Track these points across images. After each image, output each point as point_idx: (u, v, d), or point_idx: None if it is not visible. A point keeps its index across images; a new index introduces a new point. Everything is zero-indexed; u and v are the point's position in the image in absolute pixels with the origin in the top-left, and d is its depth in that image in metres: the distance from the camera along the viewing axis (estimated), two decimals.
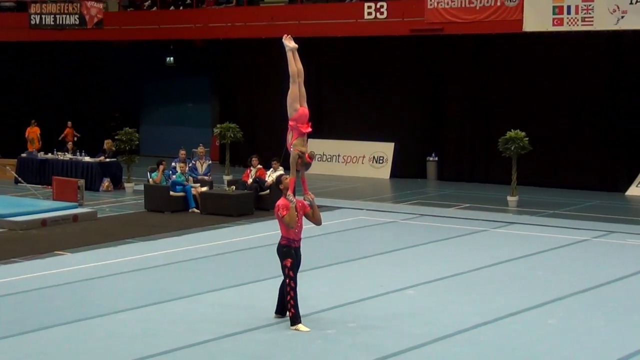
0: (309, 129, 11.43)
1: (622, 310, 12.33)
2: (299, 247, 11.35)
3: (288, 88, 11.66)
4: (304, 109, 11.48)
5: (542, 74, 25.46)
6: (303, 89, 11.61)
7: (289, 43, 11.84)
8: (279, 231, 11.45)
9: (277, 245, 11.43)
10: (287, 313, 11.25)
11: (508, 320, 11.76)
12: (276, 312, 11.62)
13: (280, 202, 11.29)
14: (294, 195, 11.27)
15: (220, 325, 11.42)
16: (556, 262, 15.61)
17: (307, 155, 11.23)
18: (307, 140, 11.47)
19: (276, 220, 11.62)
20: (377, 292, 13.21)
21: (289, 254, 11.24)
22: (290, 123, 11.41)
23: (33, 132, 29.32)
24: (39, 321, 11.67)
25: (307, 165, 11.36)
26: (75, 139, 29.54)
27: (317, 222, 11.63)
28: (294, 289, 11.16)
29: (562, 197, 23.28)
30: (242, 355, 10.29)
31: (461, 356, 10.27)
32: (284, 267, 11.26)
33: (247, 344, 10.72)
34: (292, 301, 11.15)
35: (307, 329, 11.09)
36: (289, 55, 11.75)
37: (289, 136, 11.43)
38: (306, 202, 11.43)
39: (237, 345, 10.65)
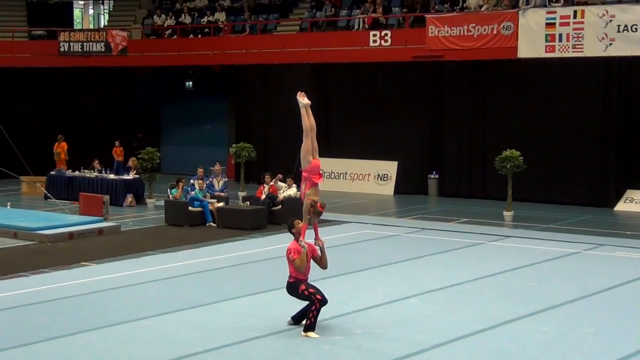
0: (321, 180, 11.52)
1: (610, 318, 12.29)
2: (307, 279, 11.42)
3: (299, 111, 11.70)
4: (317, 161, 11.60)
5: (535, 98, 25.43)
6: (315, 143, 11.68)
7: (303, 100, 11.87)
8: (288, 270, 11.46)
9: (286, 285, 11.44)
10: (306, 320, 11.23)
11: (504, 328, 11.74)
12: (293, 317, 11.63)
13: (292, 246, 11.31)
14: (305, 241, 11.29)
15: (234, 331, 11.42)
16: (549, 273, 15.56)
17: (319, 204, 11.32)
18: (318, 190, 11.49)
19: (287, 233, 11.64)
20: (382, 301, 13.20)
21: (300, 282, 11.25)
22: (304, 174, 11.53)
23: (60, 147, 29.38)
24: (67, 328, 11.68)
25: (319, 214, 11.46)
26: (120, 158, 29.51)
27: (324, 266, 11.69)
28: (320, 302, 11.16)
29: (555, 212, 23.22)
30: None
31: None
32: (302, 293, 11.24)
33: (259, 349, 10.71)
34: (315, 312, 11.16)
35: (317, 336, 11.09)
36: (303, 111, 11.80)
37: (303, 186, 11.57)
38: (316, 247, 11.46)
39: (250, 351, 10.64)
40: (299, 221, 11.44)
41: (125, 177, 25.75)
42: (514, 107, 25.82)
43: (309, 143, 11.58)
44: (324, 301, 11.17)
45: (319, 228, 11.75)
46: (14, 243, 18.84)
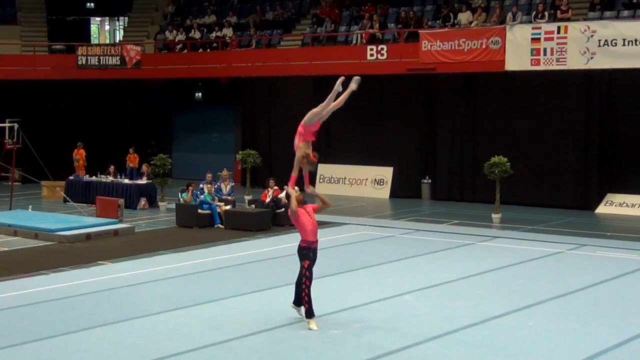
0: (313, 138, 11.47)
1: (592, 313, 12.29)
2: (317, 248, 11.38)
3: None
4: (317, 126, 11.66)
5: (522, 107, 25.42)
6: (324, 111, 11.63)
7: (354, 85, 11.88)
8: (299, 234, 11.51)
9: (298, 246, 11.42)
10: (304, 306, 11.25)
11: (492, 322, 11.73)
12: (294, 303, 11.64)
13: (298, 134, 11.49)
14: (295, 189, 11.38)
15: (241, 326, 11.41)
16: (535, 271, 15.54)
17: (311, 154, 11.27)
18: (311, 145, 11.44)
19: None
20: (378, 297, 13.19)
21: (308, 256, 11.26)
22: (300, 128, 11.47)
23: (79, 154, 29.38)
24: (84, 322, 11.68)
25: (312, 164, 11.39)
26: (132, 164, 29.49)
27: (327, 205, 11.57)
28: (309, 287, 11.19)
29: (540, 215, 23.20)
30: (260, 353, 10.27)
31: (451, 353, 10.25)
32: (302, 267, 11.27)
33: (264, 342, 10.71)
34: (306, 297, 11.18)
35: (316, 328, 11.08)
36: (338, 97, 11.74)
37: (296, 139, 11.47)
38: (315, 202, 11.44)
39: (255, 344, 10.64)
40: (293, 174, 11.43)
41: (139, 181, 25.76)
42: (501, 116, 25.81)
43: (319, 110, 11.49)
44: (310, 286, 11.18)
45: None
46: (35, 243, 18.85)
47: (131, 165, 29.24)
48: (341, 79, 11.86)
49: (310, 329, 11.11)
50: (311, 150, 11.34)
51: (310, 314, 11.18)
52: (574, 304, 12.96)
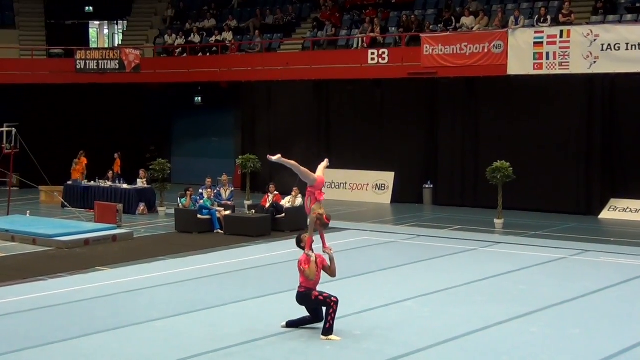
0: (323, 197, 11.53)
1: (595, 319, 12.29)
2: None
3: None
4: (322, 178, 11.63)
5: (524, 112, 25.45)
6: (303, 168, 11.58)
7: (272, 158, 11.81)
8: (298, 250, 11.44)
9: (296, 294, 11.38)
10: (325, 324, 11.15)
11: (495, 329, 11.73)
12: (287, 323, 11.60)
13: (302, 257, 11.29)
14: (313, 250, 11.28)
15: (241, 333, 11.42)
16: (537, 277, 15.55)
17: (325, 217, 11.31)
18: (322, 204, 11.50)
19: (292, 240, 11.64)
20: (379, 303, 13.20)
21: (311, 290, 11.23)
22: (309, 189, 11.53)
23: (81, 161, 29.36)
24: (83, 329, 11.68)
25: (325, 226, 11.44)
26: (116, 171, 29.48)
27: (333, 274, 11.57)
28: (337, 303, 11.11)
29: (543, 220, 23.21)
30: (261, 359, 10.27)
31: None
32: (315, 299, 11.18)
33: (264, 349, 10.71)
34: (332, 314, 11.08)
35: (339, 339, 11.04)
36: (283, 163, 11.71)
37: (307, 201, 11.54)
38: (325, 257, 11.43)
39: (256, 351, 10.64)
40: (306, 235, 11.45)
41: (138, 186, 25.73)
42: (503, 121, 25.83)
43: (302, 171, 11.58)
44: (338, 302, 11.14)
45: (325, 234, 11.73)
46: (33, 249, 18.86)
47: (115, 171, 29.07)
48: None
49: (334, 340, 11.02)
50: (323, 210, 11.38)
51: (330, 332, 11.10)
52: (577, 310, 12.97)
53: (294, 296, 11.52)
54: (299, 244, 11.52)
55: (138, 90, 33.69)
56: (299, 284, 11.36)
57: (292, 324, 11.58)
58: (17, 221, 21.77)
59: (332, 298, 11.12)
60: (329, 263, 11.45)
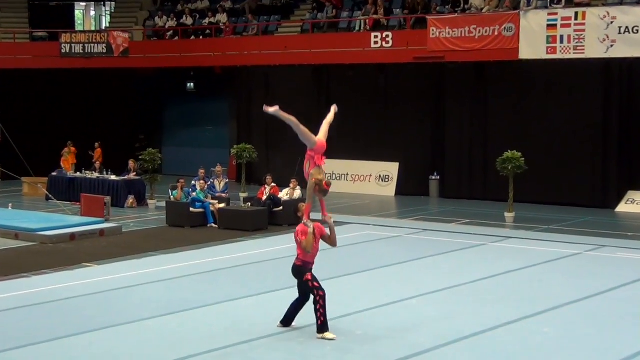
0: (323, 162, 11.46)
1: (612, 319, 12.31)
2: (312, 269, 11.31)
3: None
4: (323, 142, 11.54)
5: (536, 99, 25.46)
6: (303, 127, 11.55)
7: (269, 110, 11.92)
8: (296, 251, 11.40)
9: (292, 266, 11.37)
10: (316, 321, 11.17)
11: (505, 329, 11.75)
12: (281, 322, 11.59)
13: (299, 227, 11.23)
14: (310, 220, 11.25)
15: (237, 333, 11.43)
16: (550, 274, 15.57)
17: (324, 182, 11.26)
18: (323, 170, 11.47)
19: (291, 235, 11.62)
20: (383, 302, 13.21)
21: (307, 269, 11.22)
22: (309, 153, 11.46)
23: (72, 152, 29.37)
24: (69, 328, 11.70)
25: (325, 192, 11.35)
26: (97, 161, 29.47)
27: (333, 243, 11.51)
28: (324, 297, 11.09)
29: (556, 214, 23.23)
30: None
31: None
32: (305, 282, 11.16)
33: (261, 350, 10.72)
34: (321, 310, 11.07)
35: (334, 337, 11.05)
36: (279, 116, 11.81)
37: (306, 166, 11.47)
38: (324, 227, 11.40)
39: (252, 352, 10.65)
40: (303, 203, 11.48)
41: (127, 178, 25.71)
42: (515, 109, 25.84)
43: (302, 130, 11.53)
44: (325, 296, 11.12)
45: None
46: (16, 244, 18.87)
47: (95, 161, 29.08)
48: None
49: (330, 339, 11.03)
50: (323, 175, 11.33)
51: (324, 328, 11.10)
52: (592, 309, 12.98)
53: (292, 294, 11.53)
54: (296, 212, 11.51)
55: (127, 75, 33.66)
56: (296, 256, 11.33)
57: (286, 320, 11.55)
58: None
59: (320, 292, 11.08)
60: (328, 232, 11.42)
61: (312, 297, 11.19)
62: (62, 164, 28.72)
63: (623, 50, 23.13)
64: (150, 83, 34.94)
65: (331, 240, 11.47)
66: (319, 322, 11.11)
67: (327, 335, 11.05)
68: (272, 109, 11.80)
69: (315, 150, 11.40)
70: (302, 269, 11.23)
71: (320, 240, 11.34)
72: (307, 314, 11.39)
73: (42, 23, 34.82)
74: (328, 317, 11.14)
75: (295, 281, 11.40)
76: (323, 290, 11.15)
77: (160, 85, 35.26)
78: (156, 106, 35.82)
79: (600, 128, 24.51)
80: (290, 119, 11.61)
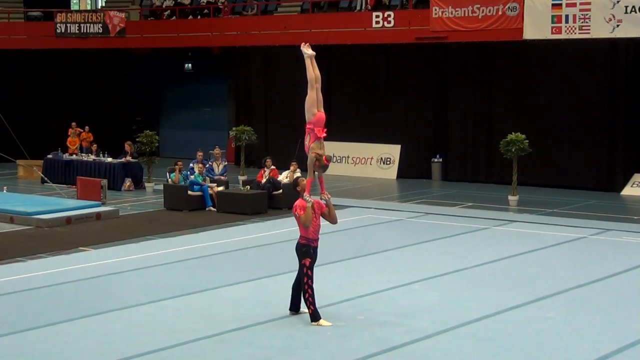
0: (324, 134, 11.38)
1: (617, 304, 12.31)
2: (317, 247, 11.30)
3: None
4: (322, 114, 11.44)
5: (541, 80, 25.41)
6: (320, 95, 11.56)
7: (307, 50, 11.80)
8: (297, 230, 11.38)
9: (296, 244, 11.35)
10: (307, 310, 11.19)
11: (509, 314, 11.75)
12: (290, 309, 11.58)
13: (298, 202, 11.20)
14: (310, 195, 11.23)
15: (236, 318, 11.43)
16: (555, 258, 15.57)
17: (324, 157, 11.21)
18: (323, 144, 11.43)
19: (290, 218, 11.61)
20: (385, 286, 13.21)
21: (308, 253, 11.17)
22: (308, 126, 11.38)
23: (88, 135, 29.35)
24: (65, 313, 11.71)
25: (325, 167, 11.30)
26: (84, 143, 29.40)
27: (333, 220, 11.52)
28: (312, 287, 11.11)
29: (561, 197, 23.23)
30: (256, 347, 10.29)
31: (463, 348, 10.26)
32: (302, 265, 11.17)
33: (261, 336, 10.72)
34: (310, 299, 11.09)
35: (329, 324, 11.05)
36: (307, 62, 11.73)
37: (307, 139, 11.39)
38: (322, 202, 11.38)
39: (251, 338, 10.66)
40: (303, 178, 11.46)
41: (123, 160, 25.67)
42: (519, 90, 25.81)
43: (313, 95, 11.47)
44: (312, 287, 11.09)
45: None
46: (11, 228, 18.88)
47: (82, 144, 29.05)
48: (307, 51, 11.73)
49: (325, 325, 11.02)
50: (324, 150, 11.27)
51: (316, 316, 11.11)
52: (598, 294, 12.99)
53: (292, 278, 11.54)
54: (295, 187, 11.49)
55: (123, 56, 33.60)
56: (299, 234, 11.30)
57: (294, 306, 11.54)
58: None
59: (310, 281, 11.07)
60: (327, 209, 11.39)
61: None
62: (68, 144, 28.68)
63: (629, 30, 23.03)
64: (147, 64, 34.87)
65: (331, 217, 11.46)
66: (310, 311, 11.13)
67: (323, 322, 11.06)
68: (310, 52, 11.67)
69: (314, 122, 11.32)
70: (305, 249, 11.20)
71: (319, 231, 11.34)
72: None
73: (37, 2, 34.68)
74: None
75: (295, 264, 11.40)
76: (312, 281, 11.11)
77: (157, 66, 35.19)
78: (153, 87, 35.76)
79: (606, 110, 24.48)
80: (314, 75, 11.56)
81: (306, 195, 11.16)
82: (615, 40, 23.65)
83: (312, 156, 11.17)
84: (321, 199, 11.39)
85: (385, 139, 28.21)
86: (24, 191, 24.27)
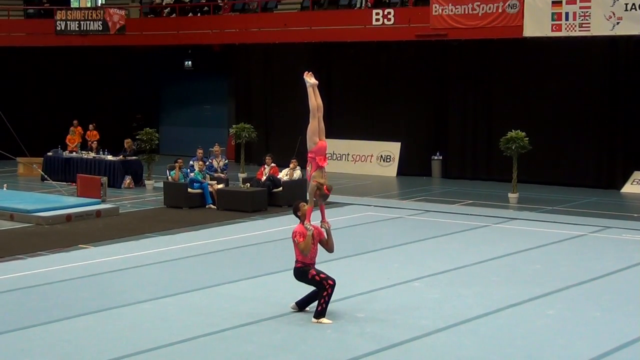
0: (326, 163, 11.46)
1: (617, 301, 12.31)
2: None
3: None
4: (323, 143, 11.51)
5: (541, 77, 25.41)
6: (322, 124, 11.61)
7: (310, 79, 11.84)
8: (294, 253, 11.40)
9: (293, 270, 11.36)
10: (317, 306, 11.17)
11: (508, 311, 11.76)
12: (296, 302, 11.58)
13: (298, 228, 11.23)
14: (311, 222, 11.24)
15: (236, 315, 11.44)
16: (554, 256, 15.58)
17: (325, 187, 11.25)
18: (325, 173, 11.45)
19: (290, 215, 11.60)
20: (385, 284, 13.22)
21: (309, 268, 11.20)
22: (310, 155, 11.45)
23: (77, 131, 29.33)
24: (65, 311, 11.71)
25: (325, 197, 11.36)
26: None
27: (330, 249, 11.59)
28: (333, 287, 11.09)
29: (561, 194, 23.23)
30: (256, 344, 10.29)
31: (463, 345, 10.27)
32: (312, 279, 11.15)
33: (261, 333, 10.73)
34: (326, 297, 11.08)
35: (329, 321, 11.06)
36: (310, 91, 11.76)
37: (308, 168, 11.48)
38: (322, 230, 11.40)
39: (251, 335, 10.66)
40: (304, 203, 11.38)
41: (123, 158, 25.67)
42: (519, 87, 25.80)
43: (315, 124, 11.52)
44: (335, 285, 11.14)
45: (326, 210, 11.72)
46: (11, 225, 18.88)
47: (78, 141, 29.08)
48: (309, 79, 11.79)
49: (325, 323, 11.05)
50: (325, 179, 11.31)
51: (322, 315, 11.12)
52: (597, 291, 12.99)
53: (292, 275, 11.54)
54: (295, 212, 11.47)
55: (123, 53, 33.59)
56: (295, 259, 11.35)
57: (301, 304, 11.55)
58: None
59: (329, 281, 11.10)
60: (326, 236, 11.42)
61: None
62: (67, 142, 28.67)
63: (629, 28, 23.02)
64: (147, 61, 34.86)
65: (329, 246, 11.56)
66: (319, 309, 11.12)
67: (323, 320, 11.08)
68: (313, 81, 11.69)
69: (315, 151, 11.39)
70: (303, 270, 11.23)
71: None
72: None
73: (37, 0, 34.70)
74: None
75: None
76: (333, 280, 11.15)
77: (157, 64, 35.18)
78: (153, 85, 35.76)
79: (606, 107, 24.48)
80: (315, 104, 11.59)
81: (307, 223, 11.17)
82: (616, 37, 23.64)
83: (313, 185, 11.23)
84: (322, 227, 11.41)
85: (385, 137, 28.22)
86: (24, 189, 24.29)
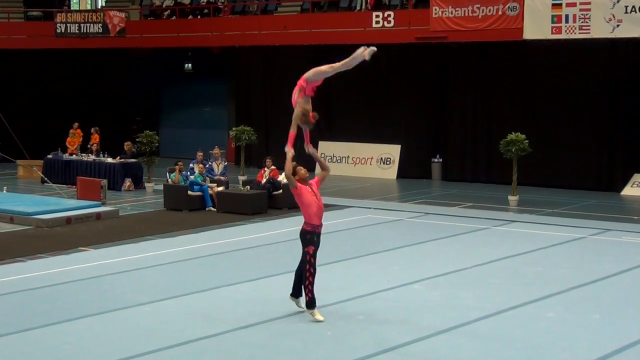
0: (312, 94, 11.66)
1: (617, 304, 12.31)
2: (321, 233, 11.39)
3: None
4: (318, 82, 11.75)
5: (541, 80, 25.41)
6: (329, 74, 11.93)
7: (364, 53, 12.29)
8: (297, 231, 11.44)
9: (300, 230, 11.42)
10: (305, 297, 11.25)
11: (508, 314, 11.76)
12: (291, 294, 11.64)
13: (295, 95, 11.70)
14: (292, 149, 11.37)
15: (235, 317, 11.44)
16: (555, 258, 15.58)
17: (311, 114, 11.40)
18: (310, 101, 11.58)
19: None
20: (385, 286, 13.22)
21: (312, 241, 11.26)
22: (302, 82, 11.55)
23: (78, 134, 29.32)
24: (65, 313, 11.71)
25: (310, 124, 11.50)
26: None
27: (326, 168, 11.82)
28: (313, 275, 11.19)
29: (561, 197, 23.23)
30: (256, 347, 10.30)
31: (463, 348, 10.27)
32: (305, 252, 11.26)
33: (260, 336, 10.74)
34: (310, 286, 11.16)
35: (322, 318, 11.10)
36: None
37: (296, 94, 11.59)
38: (318, 177, 11.63)
39: (251, 337, 10.67)
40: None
41: (123, 160, 25.67)
42: (519, 90, 25.80)
43: (326, 70, 12.02)
44: (314, 275, 11.20)
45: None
46: (11, 228, 18.88)
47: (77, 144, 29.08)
48: (371, 50, 11.97)
49: (317, 320, 11.11)
50: (311, 107, 11.42)
51: (312, 304, 11.19)
52: (597, 294, 13.00)
53: (291, 279, 11.56)
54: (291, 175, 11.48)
55: (123, 56, 33.59)
56: (304, 221, 11.39)
57: (296, 291, 11.57)
58: None
59: (311, 269, 11.16)
60: (321, 176, 11.66)
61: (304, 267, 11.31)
62: (67, 144, 28.67)
63: (629, 30, 23.04)
64: (147, 63, 34.86)
65: (324, 169, 11.76)
66: (307, 298, 11.23)
67: (316, 314, 11.13)
68: (311, 150, 11.83)
69: (308, 79, 11.54)
70: (310, 236, 11.27)
71: (322, 215, 11.42)
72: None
73: (37, 2, 34.71)
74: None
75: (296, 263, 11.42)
76: (314, 268, 11.21)
77: (157, 66, 35.18)
78: (153, 87, 35.76)
79: (606, 110, 24.48)
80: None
81: (288, 148, 11.35)
82: (616, 40, 23.65)
83: (298, 110, 11.42)
84: (305, 148, 11.58)
85: (385, 139, 28.21)
86: (24, 191, 24.28)
